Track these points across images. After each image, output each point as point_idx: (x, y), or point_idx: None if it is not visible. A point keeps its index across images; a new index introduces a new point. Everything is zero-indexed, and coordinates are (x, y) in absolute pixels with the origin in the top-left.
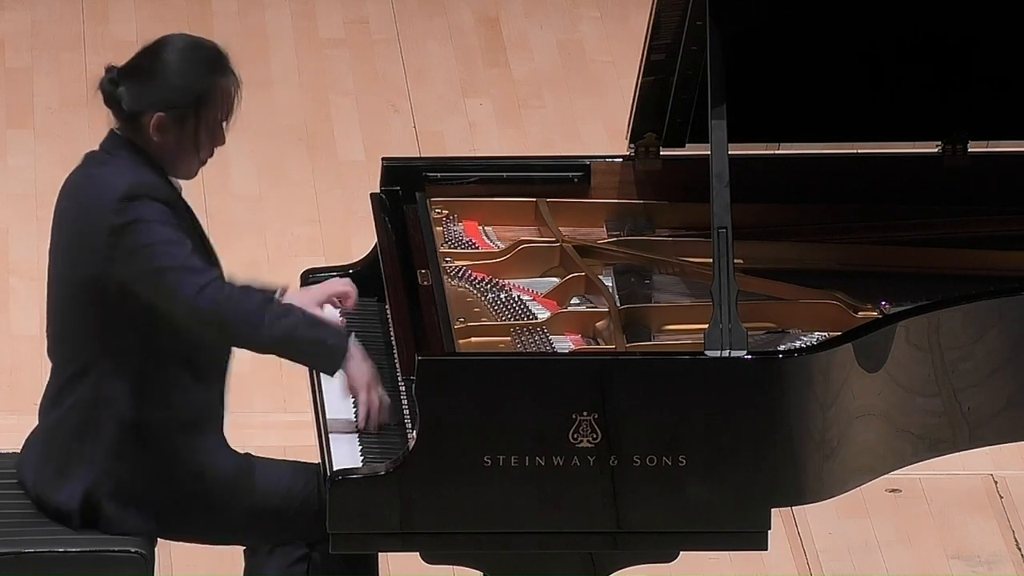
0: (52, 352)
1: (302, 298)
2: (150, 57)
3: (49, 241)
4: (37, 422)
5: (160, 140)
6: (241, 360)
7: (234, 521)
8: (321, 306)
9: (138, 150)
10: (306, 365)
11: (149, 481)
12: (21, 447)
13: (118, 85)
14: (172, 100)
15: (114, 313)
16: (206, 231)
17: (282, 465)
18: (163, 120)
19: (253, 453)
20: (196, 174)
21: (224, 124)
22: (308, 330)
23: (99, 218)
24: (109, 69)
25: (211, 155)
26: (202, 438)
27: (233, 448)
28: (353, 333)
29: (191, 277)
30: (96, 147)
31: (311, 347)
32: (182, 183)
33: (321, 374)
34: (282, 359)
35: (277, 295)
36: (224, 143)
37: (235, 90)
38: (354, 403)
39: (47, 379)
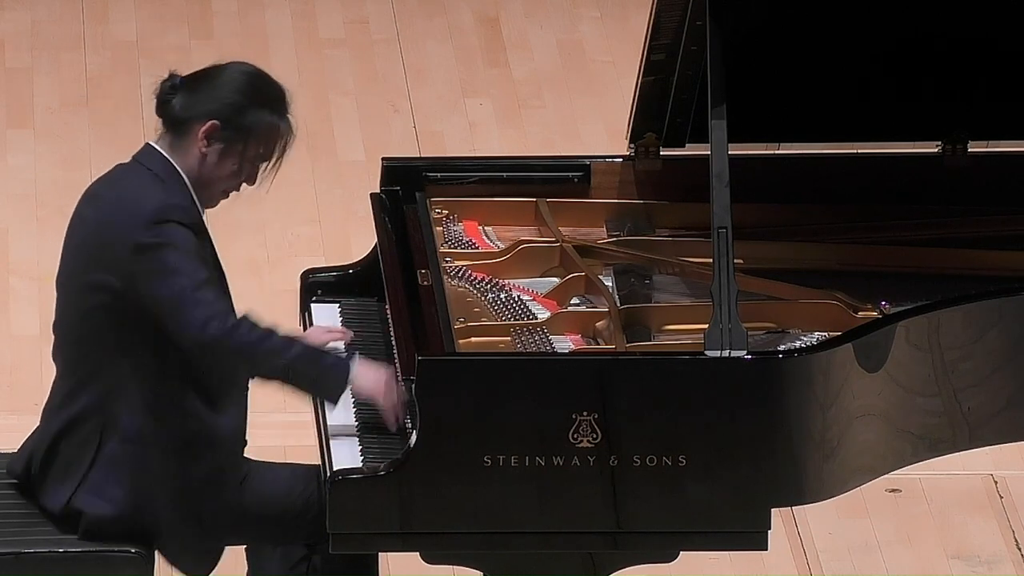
0: (58, 354)
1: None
2: (216, 70)
3: (63, 243)
4: (39, 423)
5: (205, 151)
6: None
7: (225, 538)
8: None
9: (171, 168)
10: (310, 393)
11: (140, 499)
12: (19, 447)
13: (176, 93)
14: (223, 113)
15: (128, 328)
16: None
17: (282, 469)
18: (215, 128)
19: (253, 458)
20: (216, 205)
21: (263, 166)
22: (311, 359)
23: (125, 233)
24: (172, 76)
25: (237, 190)
26: (204, 465)
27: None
28: (357, 353)
29: (200, 310)
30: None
31: (314, 375)
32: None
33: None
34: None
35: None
36: (254, 184)
37: (285, 137)
38: (355, 402)
39: (50, 381)
